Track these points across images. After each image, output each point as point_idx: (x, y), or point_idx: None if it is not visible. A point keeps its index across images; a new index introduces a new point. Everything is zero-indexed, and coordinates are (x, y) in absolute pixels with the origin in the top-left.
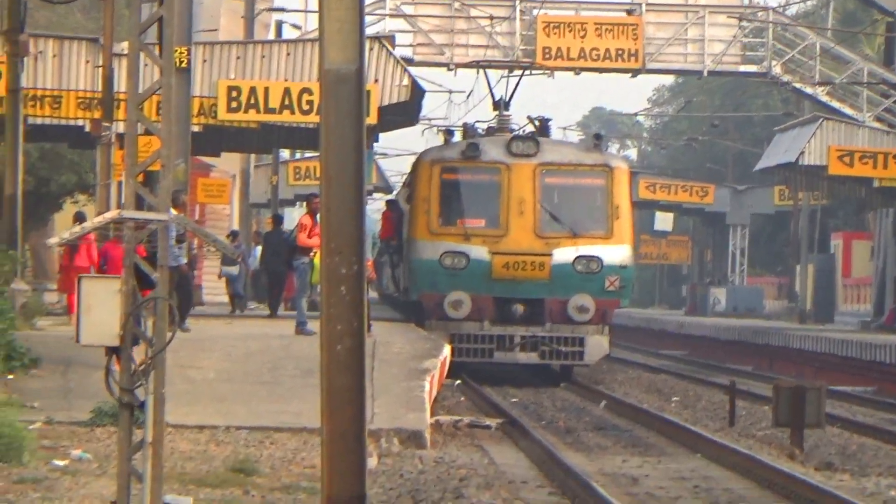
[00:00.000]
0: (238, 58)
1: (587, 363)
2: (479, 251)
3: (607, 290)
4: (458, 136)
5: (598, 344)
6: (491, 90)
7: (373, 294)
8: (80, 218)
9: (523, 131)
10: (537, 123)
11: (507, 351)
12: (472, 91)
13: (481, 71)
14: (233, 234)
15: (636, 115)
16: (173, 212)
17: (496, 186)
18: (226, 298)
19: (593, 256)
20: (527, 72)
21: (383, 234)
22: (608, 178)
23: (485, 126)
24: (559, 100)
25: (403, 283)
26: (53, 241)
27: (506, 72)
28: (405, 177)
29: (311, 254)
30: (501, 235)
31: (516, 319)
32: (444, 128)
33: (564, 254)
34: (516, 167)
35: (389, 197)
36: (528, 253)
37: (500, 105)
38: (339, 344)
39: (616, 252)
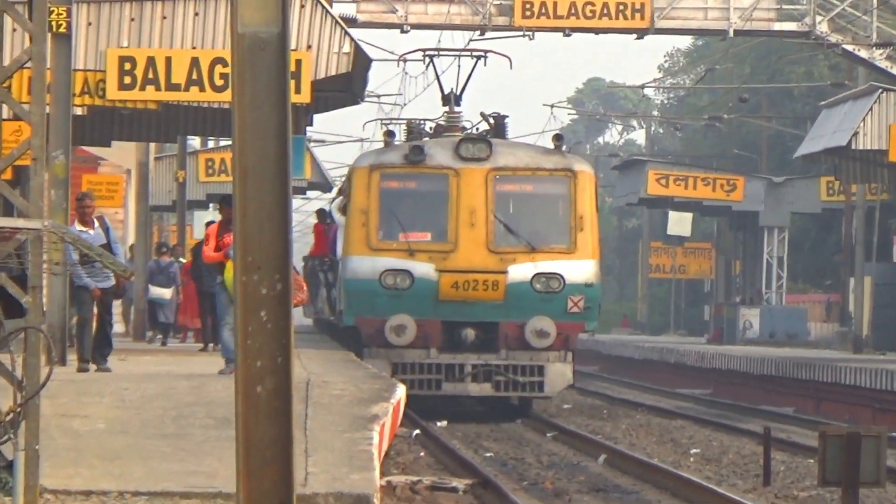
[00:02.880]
0: (132, 20)
1: (548, 395)
2: (424, 269)
3: (570, 312)
4: (401, 136)
5: (559, 373)
6: (439, 81)
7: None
8: None
9: (476, 130)
10: (492, 121)
11: (457, 382)
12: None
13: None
14: (168, 249)
15: (643, 87)
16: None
17: (443, 195)
18: (122, 328)
19: (554, 274)
20: (481, 60)
21: (316, 250)
22: (571, 185)
23: (432, 124)
24: (545, 69)
25: (339, 307)
26: None
27: (457, 53)
28: (342, 181)
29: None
30: (450, 251)
31: (467, 346)
32: (385, 124)
33: (521, 271)
34: (466, 173)
35: (322, 206)
36: (479, 270)
37: (451, 99)
38: (260, 385)
39: (580, 268)
